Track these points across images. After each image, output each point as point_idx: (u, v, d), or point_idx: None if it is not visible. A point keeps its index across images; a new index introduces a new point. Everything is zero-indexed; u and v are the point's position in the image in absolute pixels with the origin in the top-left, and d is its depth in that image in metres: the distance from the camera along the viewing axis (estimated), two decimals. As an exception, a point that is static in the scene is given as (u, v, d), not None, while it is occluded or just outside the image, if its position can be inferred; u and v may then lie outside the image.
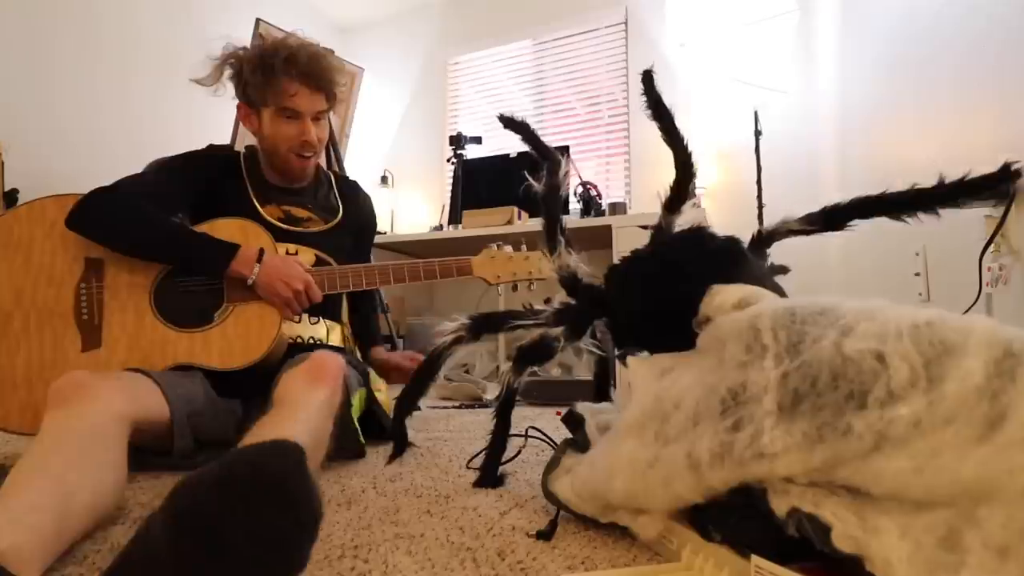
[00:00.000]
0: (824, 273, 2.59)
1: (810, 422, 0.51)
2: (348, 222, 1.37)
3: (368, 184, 3.56)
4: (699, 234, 0.86)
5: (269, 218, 1.25)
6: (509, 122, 1.07)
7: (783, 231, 0.89)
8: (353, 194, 1.44)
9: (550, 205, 0.97)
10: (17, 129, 2.17)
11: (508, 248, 1.35)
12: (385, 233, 3.25)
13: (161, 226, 1.13)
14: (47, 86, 2.35)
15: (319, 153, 1.30)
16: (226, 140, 2.27)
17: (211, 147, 1.31)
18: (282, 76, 1.18)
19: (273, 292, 1.13)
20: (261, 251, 1.14)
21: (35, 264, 1.10)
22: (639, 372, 0.74)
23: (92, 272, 1.12)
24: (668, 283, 0.79)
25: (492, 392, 2.13)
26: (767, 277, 0.83)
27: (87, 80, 2.43)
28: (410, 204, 3.63)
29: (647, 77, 1.00)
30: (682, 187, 0.96)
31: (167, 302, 1.12)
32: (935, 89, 1.30)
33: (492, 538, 0.69)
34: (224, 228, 1.17)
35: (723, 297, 0.70)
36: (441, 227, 3.13)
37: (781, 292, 0.79)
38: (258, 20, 2.11)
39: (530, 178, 0.98)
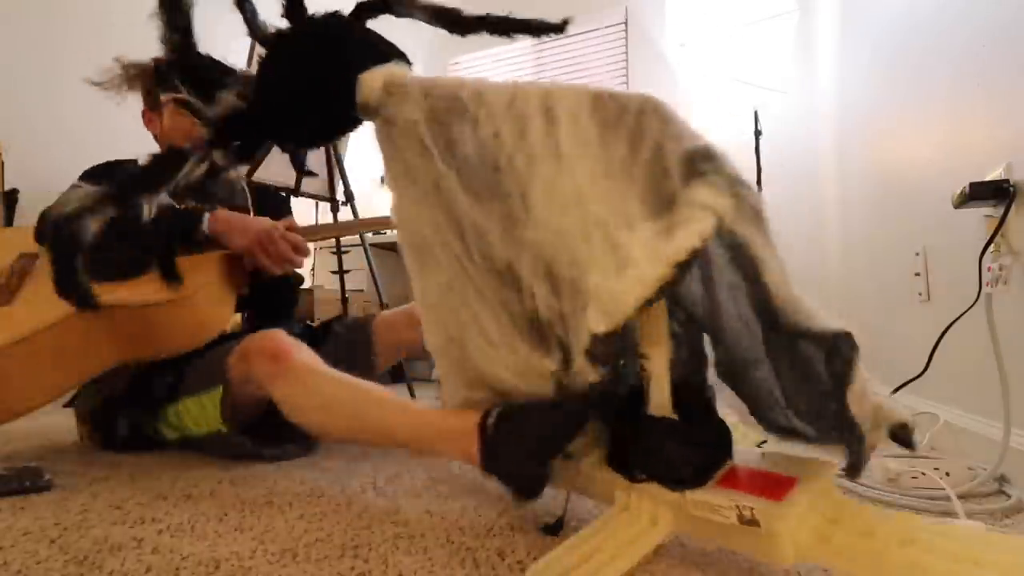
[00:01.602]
0: (823, 272, 2.59)
1: None
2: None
3: (368, 184, 3.58)
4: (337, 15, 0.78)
5: None
6: None
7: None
8: (267, 197, 1.52)
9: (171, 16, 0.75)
10: (17, 129, 2.17)
11: None
12: (385, 233, 3.25)
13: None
14: (47, 86, 2.35)
15: None
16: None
17: (115, 162, 1.36)
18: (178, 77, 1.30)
19: (245, 242, 1.16)
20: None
21: None
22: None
23: (23, 258, 1.17)
24: (327, 67, 0.73)
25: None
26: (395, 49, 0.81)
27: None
28: (410, 204, 3.63)
29: None
30: None
31: None
32: (935, 88, 1.30)
33: (492, 538, 0.69)
34: None
35: (371, 82, 0.70)
36: (441, 227, 3.13)
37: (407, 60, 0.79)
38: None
39: None
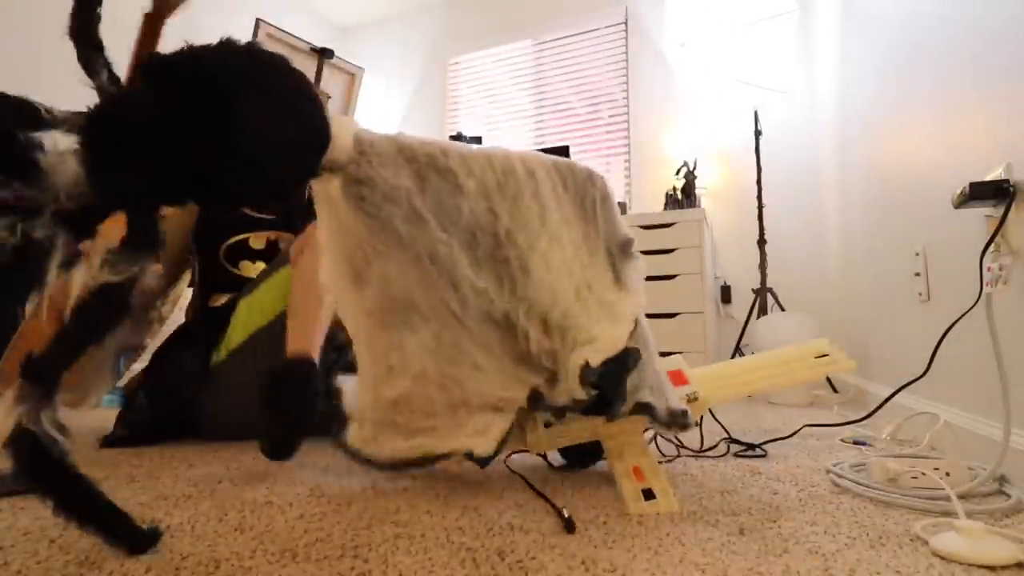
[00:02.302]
0: (823, 271, 2.59)
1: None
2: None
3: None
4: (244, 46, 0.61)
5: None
6: None
7: None
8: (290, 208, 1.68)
9: None
10: (17, 129, 2.17)
11: None
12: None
13: None
14: (42, 87, 2.35)
15: None
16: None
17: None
18: None
19: None
20: None
21: None
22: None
23: None
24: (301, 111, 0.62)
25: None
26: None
27: (81, 79, 2.42)
28: (410, 204, 3.63)
29: None
30: None
31: None
32: (935, 88, 1.30)
33: (492, 538, 0.69)
34: None
35: (344, 136, 0.67)
36: (441, 227, 3.13)
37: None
38: (258, 20, 2.11)
39: None
